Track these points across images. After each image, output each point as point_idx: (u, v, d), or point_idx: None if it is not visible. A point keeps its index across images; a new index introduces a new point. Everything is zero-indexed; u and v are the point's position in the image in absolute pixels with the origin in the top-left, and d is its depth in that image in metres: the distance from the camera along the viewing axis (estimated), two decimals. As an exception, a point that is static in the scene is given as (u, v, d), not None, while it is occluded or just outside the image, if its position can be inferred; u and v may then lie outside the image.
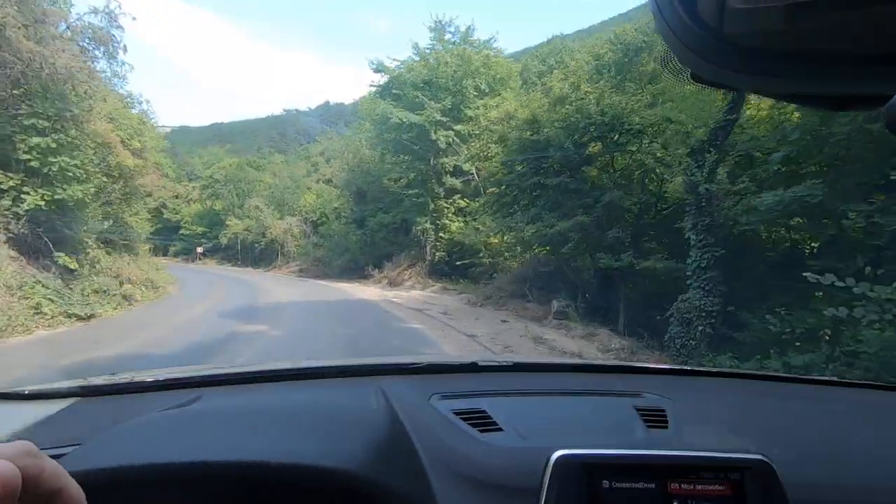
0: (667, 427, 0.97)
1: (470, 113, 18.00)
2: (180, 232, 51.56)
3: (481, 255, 17.06)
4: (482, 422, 0.95)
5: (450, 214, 19.50)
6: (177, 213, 52.60)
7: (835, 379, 1.57)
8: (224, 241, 40.90)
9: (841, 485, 0.85)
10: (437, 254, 19.33)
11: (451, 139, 18.33)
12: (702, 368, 1.77)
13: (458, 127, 18.23)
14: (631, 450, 0.81)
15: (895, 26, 0.24)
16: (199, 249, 44.05)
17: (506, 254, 16.61)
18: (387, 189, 23.90)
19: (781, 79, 0.29)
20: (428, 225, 19.46)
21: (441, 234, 19.38)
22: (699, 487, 0.75)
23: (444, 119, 18.17)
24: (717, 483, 0.75)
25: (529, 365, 1.57)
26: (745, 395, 1.29)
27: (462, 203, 19.30)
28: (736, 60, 0.28)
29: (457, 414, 0.97)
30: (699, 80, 0.32)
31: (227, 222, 39.94)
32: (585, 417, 1.04)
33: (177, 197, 55.78)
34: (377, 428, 0.86)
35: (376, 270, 21.20)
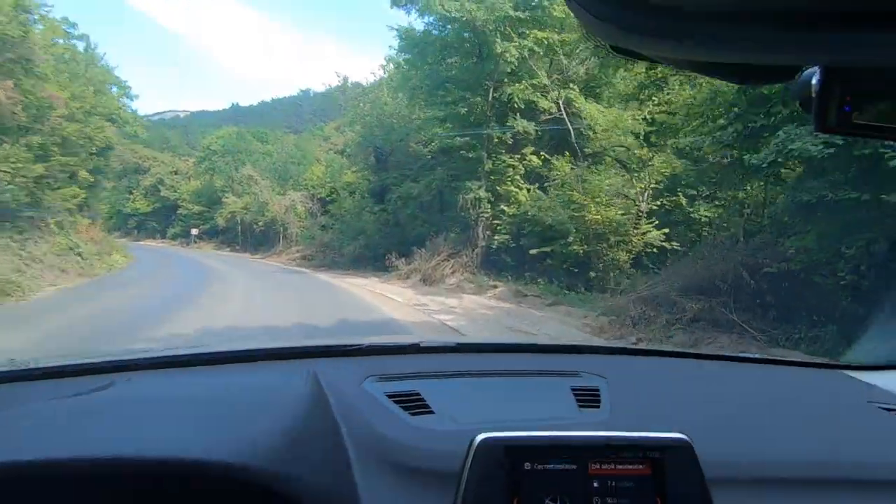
0: (599, 407, 0.97)
1: (559, 13, 11.27)
2: (178, 212, 45.93)
3: (570, 239, 10.59)
4: (415, 404, 0.93)
5: (516, 178, 12.89)
6: (175, 191, 47.07)
7: (758, 357, 1.56)
8: (221, 221, 35.11)
9: (755, 460, 0.88)
10: (497, 237, 12.78)
11: (526, 51, 11.64)
12: (641, 347, 1.97)
13: (539, 34, 11.58)
14: (555, 431, 0.82)
15: None
16: (194, 231, 38.45)
17: (614, 237, 10.14)
18: (415, 154, 17.49)
19: (692, 44, 0.28)
20: (482, 193, 12.92)
21: (503, 208, 12.78)
22: (619, 467, 0.76)
23: (519, 15, 11.48)
24: (638, 462, 0.77)
25: (473, 346, 1.47)
26: (676, 374, 1.31)
27: (535, 161, 12.71)
28: (646, 23, 0.27)
29: (390, 397, 0.95)
30: (618, 52, 0.33)
31: (224, 200, 34.04)
32: (520, 398, 1.04)
33: (175, 173, 50.50)
34: (295, 414, 0.81)
35: (402, 260, 14.74)
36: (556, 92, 11.81)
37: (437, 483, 0.78)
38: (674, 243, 9.55)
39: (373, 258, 17.96)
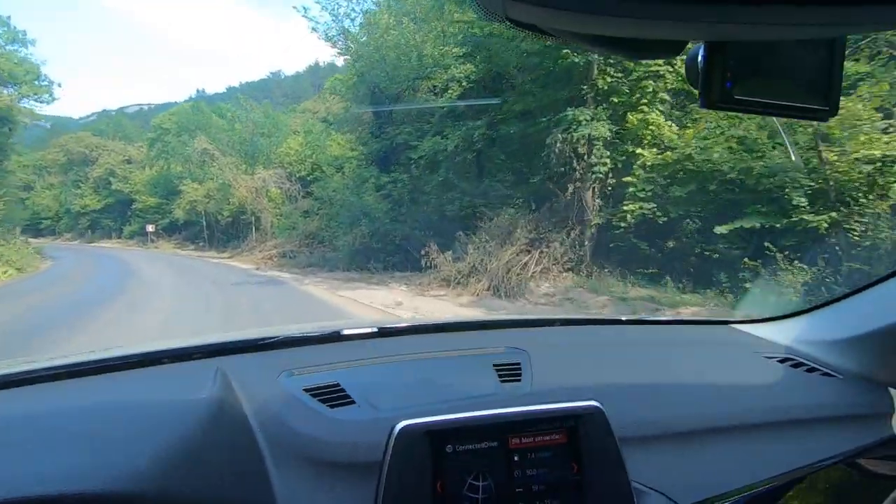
0: (520, 380, 0.98)
1: None
2: (133, 206, 39.32)
3: (801, 202, 5.22)
4: (334, 396, 0.89)
5: (656, 102, 7.35)
6: (128, 183, 40.36)
7: (671, 318, 1.67)
8: (180, 214, 28.92)
9: (659, 417, 0.93)
10: (629, 207, 7.20)
11: None
12: (558, 317, 1.83)
13: None
14: (474, 411, 0.82)
15: None
16: (150, 228, 32.18)
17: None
18: (436, 89, 11.95)
19: (588, 16, 0.28)
20: (603, 130, 7.36)
21: (641, 154, 7.21)
22: (538, 439, 0.79)
23: None
24: (554, 433, 0.80)
25: (395, 329, 1.35)
26: (593, 342, 1.34)
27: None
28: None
29: (307, 391, 0.89)
30: (515, 23, 0.33)
31: (183, 188, 27.81)
32: (442, 379, 1.01)
33: (128, 162, 43.60)
34: (196, 422, 0.73)
35: (445, 255, 9.11)
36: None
37: (359, 476, 0.77)
38: None
39: (383, 252, 12.36)
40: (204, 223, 27.80)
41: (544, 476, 0.79)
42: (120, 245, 37.18)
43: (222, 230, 26.99)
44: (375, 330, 1.25)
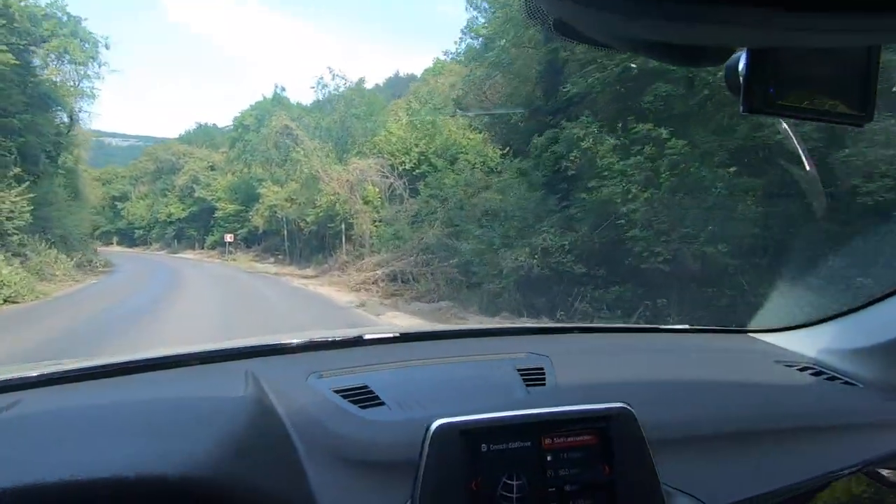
0: (544, 384, 0.99)
1: None
2: (215, 215, 36.56)
3: None
4: (364, 397, 0.90)
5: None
6: (211, 190, 37.93)
7: (688, 327, 1.66)
8: (259, 222, 25.08)
9: (685, 420, 0.95)
10: None
11: None
12: (578, 325, 1.97)
13: None
14: (507, 411, 0.82)
15: None
16: (228, 238, 28.85)
17: None
18: None
19: (634, 24, 0.29)
20: None
21: None
22: (570, 439, 0.80)
23: None
24: (585, 433, 0.81)
25: (416, 334, 1.46)
26: (614, 348, 1.35)
27: None
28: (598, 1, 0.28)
29: (337, 392, 0.91)
30: (562, 32, 0.34)
31: (262, 192, 23.90)
32: (468, 382, 1.04)
33: (212, 168, 41.39)
34: (237, 418, 0.78)
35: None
36: None
37: (394, 474, 0.78)
38: None
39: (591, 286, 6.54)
40: (285, 232, 23.74)
41: (577, 476, 0.79)
42: (200, 256, 34.50)
43: (305, 240, 22.78)
44: (397, 335, 1.30)
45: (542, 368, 1.03)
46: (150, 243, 48.50)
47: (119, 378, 0.97)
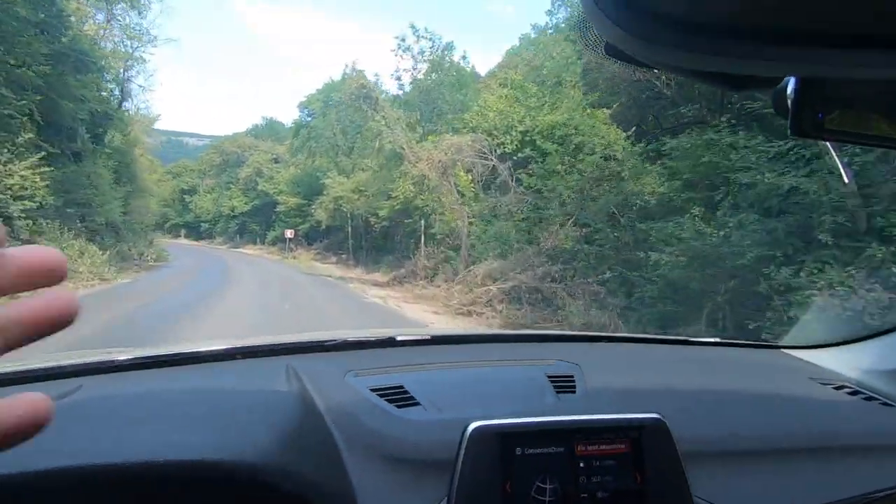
0: (574, 392, 0.99)
1: None
2: (277, 209, 34.39)
3: None
4: (399, 397, 0.92)
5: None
6: (273, 183, 36.03)
7: (719, 340, 1.60)
8: (322, 215, 22.28)
9: (721, 434, 0.94)
10: None
11: None
12: (609, 335, 1.86)
13: None
14: (541, 416, 0.83)
15: (793, 4, 0.26)
16: (289, 234, 26.41)
17: None
18: None
19: (687, 52, 0.30)
20: None
21: None
22: (602, 447, 0.80)
23: None
24: (618, 442, 0.80)
25: (447, 337, 1.47)
26: (643, 358, 1.34)
27: None
28: (649, 29, 0.29)
29: (373, 390, 0.94)
30: (613, 54, 0.35)
31: (327, 182, 21.04)
32: (500, 386, 1.05)
33: (276, 161, 39.61)
34: (286, 411, 0.81)
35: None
36: None
37: (430, 473, 0.79)
38: None
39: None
40: (349, 228, 20.81)
41: (609, 484, 0.79)
42: (259, 252, 32.55)
43: (374, 238, 19.75)
44: (429, 337, 1.32)
45: (572, 376, 1.03)
46: (215, 237, 47.66)
47: (167, 369, 1.01)
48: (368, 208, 16.57)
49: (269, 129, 52.08)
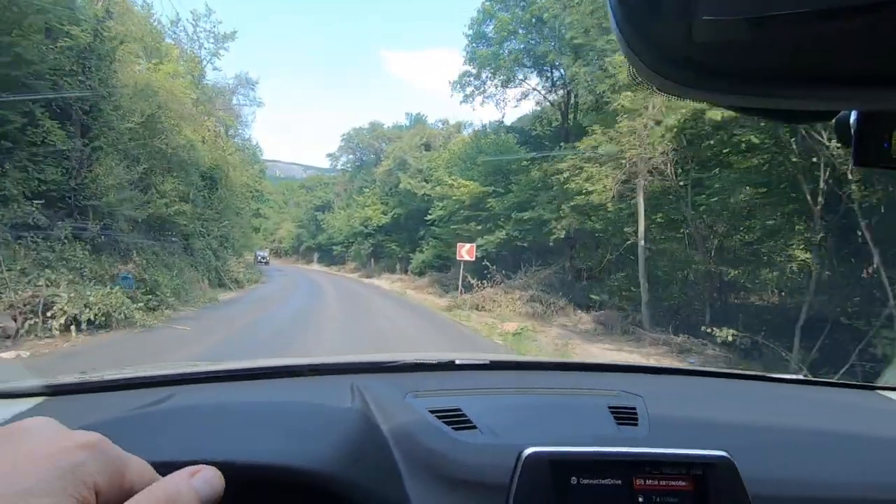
0: (637, 425, 0.96)
1: None
2: (427, 218, 24.67)
3: None
4: (457, 419, 0.93)
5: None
6: (423, 177, 26.77)
7: (800, 378, 1.50)
8: (558, 228, 11.92)
9: (797, 479, 0.87)
10: None
11: None
12: (673, 367, 1.80)
13: None
14: (599, 447, 0.82)
15: (851, 46, 0.25)
16: (465, 254, 15.88)
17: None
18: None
19: (739, 95, 0.29)
20: None
21: None
22: (663, 483, 0.77)
23: None
24: (681, 479, 0.77)
25: (506, 363, 1.49)
26: (712, 393, 1.29)
27: None
28: (696, 78, 0.28)
29: (432, 412, 0.95)
30: (665, 91, 0.35)
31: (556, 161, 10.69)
32: (558, 415, 1.03)
33: (426, 147, 30.04)
34: (351, 426, 0.84)
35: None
36: None
37: (485, 496, 0.79)
38: None
39: None
40: (572, 251, 10.14)
41: None
42: (401, 287, 22.88)
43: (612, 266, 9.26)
44: (488, 362, 1.32)
45: (634, 408, 1.00)
46: (346, 261, 39.01)
47: (242, 382, 1.11)
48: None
49: (415, 124, 39.44)
